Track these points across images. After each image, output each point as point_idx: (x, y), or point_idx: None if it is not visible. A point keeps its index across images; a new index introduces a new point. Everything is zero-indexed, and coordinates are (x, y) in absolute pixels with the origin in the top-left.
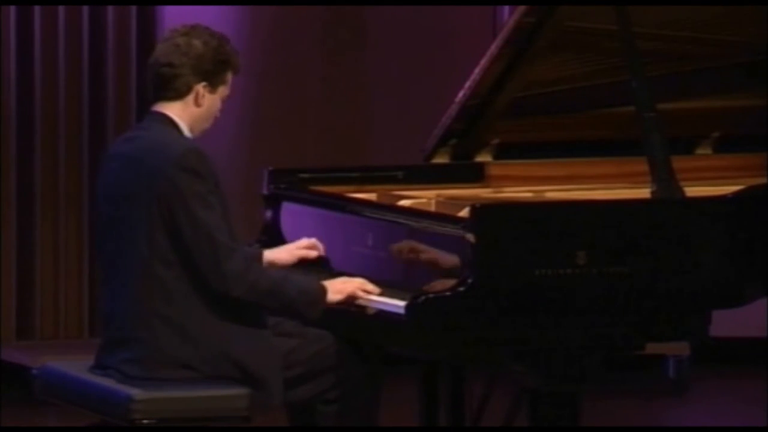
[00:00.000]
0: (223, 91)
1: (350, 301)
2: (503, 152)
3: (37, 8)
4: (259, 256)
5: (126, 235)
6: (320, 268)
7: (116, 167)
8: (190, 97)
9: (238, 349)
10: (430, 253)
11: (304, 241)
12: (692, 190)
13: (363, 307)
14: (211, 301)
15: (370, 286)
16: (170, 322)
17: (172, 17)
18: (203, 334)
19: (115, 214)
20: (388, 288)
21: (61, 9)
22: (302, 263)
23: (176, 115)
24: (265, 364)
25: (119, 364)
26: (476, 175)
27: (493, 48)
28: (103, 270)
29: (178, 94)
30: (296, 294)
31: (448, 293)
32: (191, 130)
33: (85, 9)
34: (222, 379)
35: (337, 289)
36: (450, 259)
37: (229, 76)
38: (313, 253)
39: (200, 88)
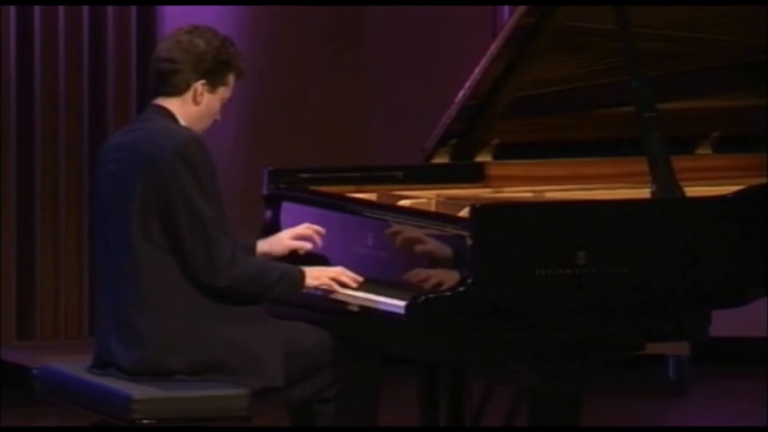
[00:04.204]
0: (223, 92)
1: (327, 287)
2: (503, 152)
3: (37, 8)
4: (252, 248)
5: (121, 220)
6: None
7: (116, 157)
8: (189, 95)
9: (235, 330)
10: (425, 244)
11: (299, 229)
12: (692, 190)
13: (341, 302)
14: (203, 285)
15: (348, 276)
16: (161, 306)
17: (172, 17)
18: (197, 318)
19: (111, 202)
20: (387, 288)
21: (61, 9)
22: (296, 257)
23: (175, 111)
24: (264, 345)
25: (115, 352)
26: (476, 175)
27: (493, 48)
28: (98, 261)
29: (176, 91)
30: (278, 277)
31: (448, 293)
32: (189, 128)
33: (85, 9)
34: (221, 365)
35: (315, 275)
36: (448, 257)
37: (231, 79)
38: (307, 245)
39: (199, 86)
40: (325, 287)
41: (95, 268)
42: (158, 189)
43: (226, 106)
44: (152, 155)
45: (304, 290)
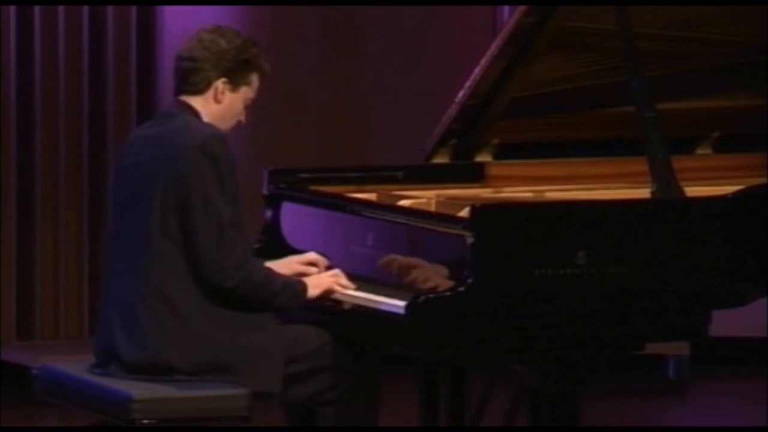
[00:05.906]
0: (246, 92)
1: (328, 294)
2: (503, 152)
3: (37, 8)
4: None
5: (141, 213)
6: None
7: (137, 150)
8: (210, 93)
9: (239, 335)
10: (417, 263)
11: (307, 257)
12: (692, 190)
13: (339, 302)
14: (211, 285)
15: (344, 280)
16: (169, 302)
17: (172, 17)
18: (202, 320)
19: (132, 195)
20: (387, 288)
21: (61, 9)
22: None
23: (199, 109)
24: (266, 352)
25: (119, 344)
26: (476, 175)
27: (493, 48)
28: (112, 251)
29: (197, 89)
30: (282, 286)
31: (448, 293)
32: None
33: (85, 9)
34: (222, 368)
35: (314, 284)
36: (448, 257)
37: (254, 79)
38: (313, 270)
39: (220, 84)
40: (326, 292)
41: (107, 258)
42: (178, 183)
43: (249, 107)
44: (174, 150)
45: (307, 300)
